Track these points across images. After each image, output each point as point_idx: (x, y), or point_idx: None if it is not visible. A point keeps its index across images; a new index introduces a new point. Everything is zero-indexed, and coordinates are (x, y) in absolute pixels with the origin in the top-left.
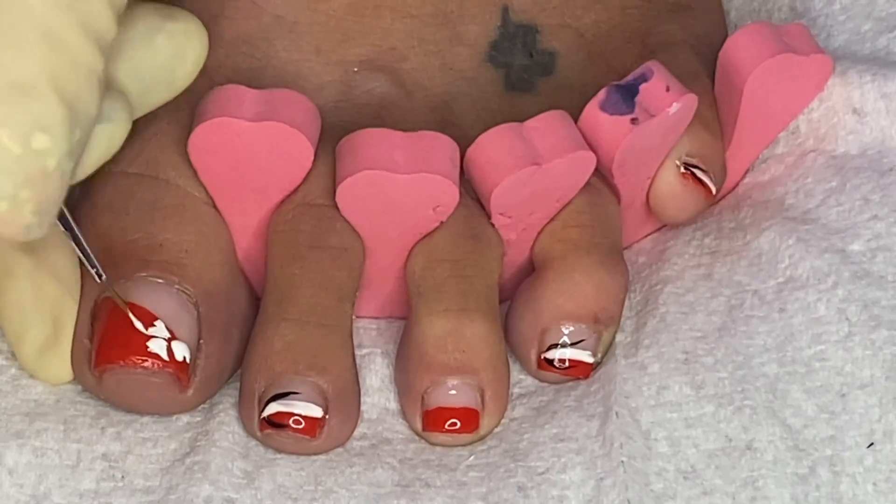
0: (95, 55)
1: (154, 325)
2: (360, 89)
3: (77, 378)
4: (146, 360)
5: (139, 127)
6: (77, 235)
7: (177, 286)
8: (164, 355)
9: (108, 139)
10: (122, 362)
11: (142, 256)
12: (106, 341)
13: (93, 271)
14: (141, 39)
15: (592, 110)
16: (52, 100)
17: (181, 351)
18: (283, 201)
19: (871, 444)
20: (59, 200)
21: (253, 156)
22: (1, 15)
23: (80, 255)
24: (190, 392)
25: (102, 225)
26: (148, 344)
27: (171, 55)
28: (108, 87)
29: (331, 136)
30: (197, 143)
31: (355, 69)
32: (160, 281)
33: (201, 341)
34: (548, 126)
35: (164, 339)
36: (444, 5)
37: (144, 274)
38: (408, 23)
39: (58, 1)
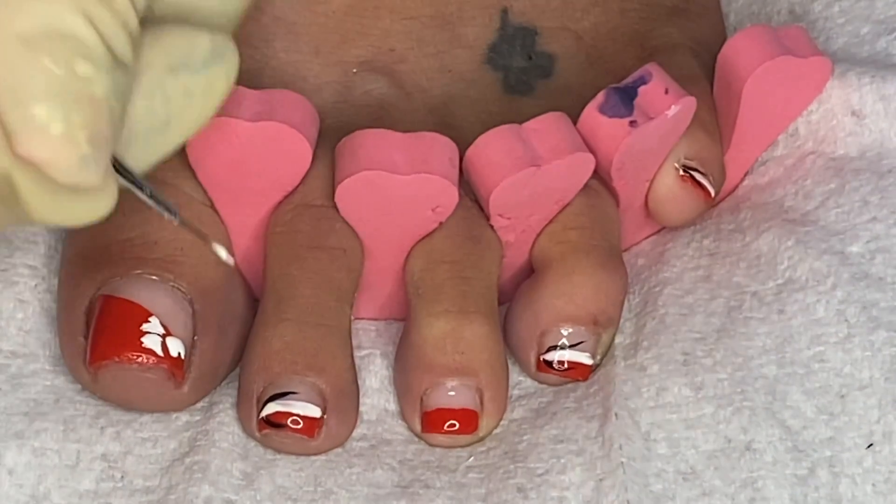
0: (128, 6)
1: (148, 322)
2: (358, 90)
3: (72, 375)
4: (141, 356)
5: None
6: (137, 181)
7: (172, 283)
8: (159, 351)
9: (225, 78)
10: (116, 358)
11: (137, 254)
12: (101, 337)
13: (164, 213)
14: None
15: (591, 113)
16: (90, 34)
17: (176, 347)
18: (281, 202)
19: (871, 445)
20: (112, 140)
21: (251, 156)
22: None
23: (148, 199)
24: (185, 388)
25: (98, 223)
26: (142, 340)
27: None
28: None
29: (329, 137)
30: (195, 143)
31: (354, 70)
32: (155, 278)
33: (196, 338)
34: (547, 128)
35: (159, 335)
36: (443, 7)
37: (139, 271)
38: (407, 24)
39: None
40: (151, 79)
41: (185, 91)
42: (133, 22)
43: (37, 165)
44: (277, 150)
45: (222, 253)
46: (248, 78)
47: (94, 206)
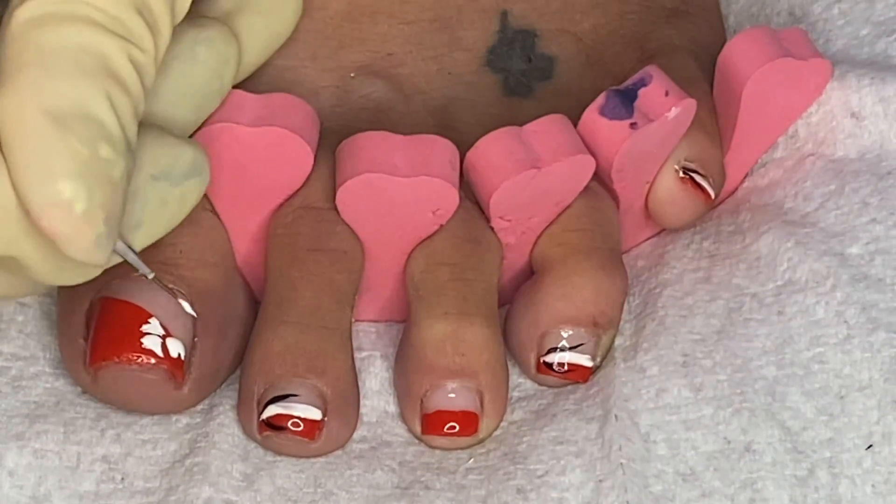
0: (138, 86)
1: (148, 323)
2: (356, 94)
3: (72, 377)
4: (140, 357)
5: None
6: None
7: (171, 285)
8: (159, 352)
9: (198, 192)
10: (116, 358)
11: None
12: (101, 338)
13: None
14: (184, 56)
15: (591, 115)
16: (112, 119)
17: (176, 348)
18: (282, 204)
19: (870, 445)
20: (121, 218)
21: (253, 161)
22: (65, 49)
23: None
24: (185, 389)
25: None
26: (142, 341)
27: (215, 62)
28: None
29: (329, 140)
30: None
31: (352, 75)
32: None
33: (196, 339)
34: (547, 130)
35: (159, 336)
36: (442, 11)
37: (139, 273)
38: (405, 29)
39: (112, 33)
40: (136, 182)
41: (162, 199)
42: (140, 111)
43: (52, 240)
44: (279, 155)
45: (187, 308)
46: (244, 84)
47: (89, 274)
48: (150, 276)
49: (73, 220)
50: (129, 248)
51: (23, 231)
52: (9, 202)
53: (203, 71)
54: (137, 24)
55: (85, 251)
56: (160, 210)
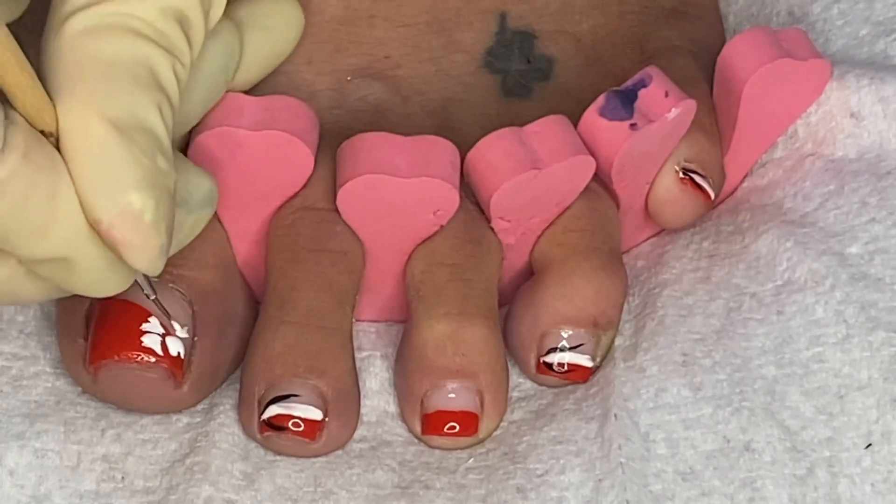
0: (178, 99)
1: (148, 322)
2: (353, 97)
3: (72, 377)
4: (140, 355)
5: None
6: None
7: (171, 285)
8: (159, 350)
9: (207, 221)
10: (116, 357)
11: None
12: (100, 337)
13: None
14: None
15: (591, 116)
16: (164, 131)
17: (175, 346)
18: (282, 205)
19: (869, 445)
20: (172, 228)
21: (253, 164)
22: (121, 61)
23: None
24: (185, 388)
25: None
26: (142, 339)
27: (222, 56)
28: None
29: (328, 141)
30: (197, 153)
31: (348, 78)
32: (154, 279)
33: (195, 338)
34: (548, 130)
35: (159, 334)
36: (440, 13)
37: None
38: (402, 31)
39: (159, 46)
40: None
41: (178, 224)
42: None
43: (117, 249)
44: (279, 158)
45: (180, 331)
46: None
47: (128, 283)
48: (153, 297)
49: (143, 229)
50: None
51: (86, 233)
52: (72, 206)
53: (211, 65)
54: (179, 37)
55: (149, 260)
56: (174, 235)
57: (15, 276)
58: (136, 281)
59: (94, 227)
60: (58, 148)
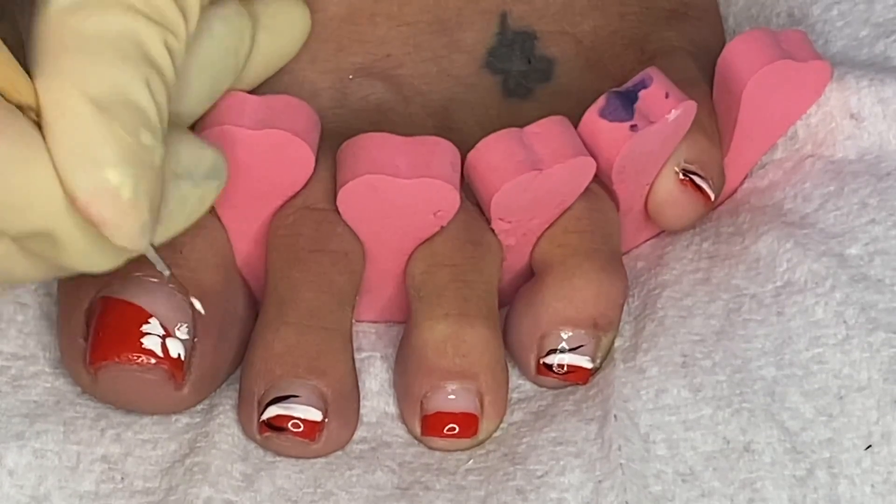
0: (172, 72)
1: (148, 323)
2: (355, 96)
3: (72, 377)
4: (140, 356)
5: None
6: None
7: (171, 285)
8: (159, 352)
9: (216, 193)
10: (116, 358)
11: (136, 257)
12: (101, 338)
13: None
14: (201, 33)
15: (592, 117)
16: (151, 106)
17: (176, 348)
18: (283, 205)
19: (869, 446)
20: (160, 206)
21: (254, 163)
22: (105, 35)
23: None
24: (185, 390)
25: None
26: (142, 341)
27: (231, 38)
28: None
29: (329, 141)
30: None
31: (350, 76)
32: (154, 280)
33: (196, 340)
34: (548, 131)
35: (159, 336)
36: (441, 13)
37: (139, 273)
38: (404, 31)
39: (149, 19)
40: None
41: (182, 198)
42: (171, 97)
43: (97, 226)
44: (280, 158)
45: (198, 305)
46: None
47: (120, 260)
48: (167, 273)
49: (121, 206)
50: (150, 243)
51: (65, 207)
52: (50, 180)
53: (219, 47)
54: (171, 9)
55: (130, 238)
56: (179, 208)
57: (8, 252)
58: (138, 274)
59: (72, 203)
60: (39, 123)
